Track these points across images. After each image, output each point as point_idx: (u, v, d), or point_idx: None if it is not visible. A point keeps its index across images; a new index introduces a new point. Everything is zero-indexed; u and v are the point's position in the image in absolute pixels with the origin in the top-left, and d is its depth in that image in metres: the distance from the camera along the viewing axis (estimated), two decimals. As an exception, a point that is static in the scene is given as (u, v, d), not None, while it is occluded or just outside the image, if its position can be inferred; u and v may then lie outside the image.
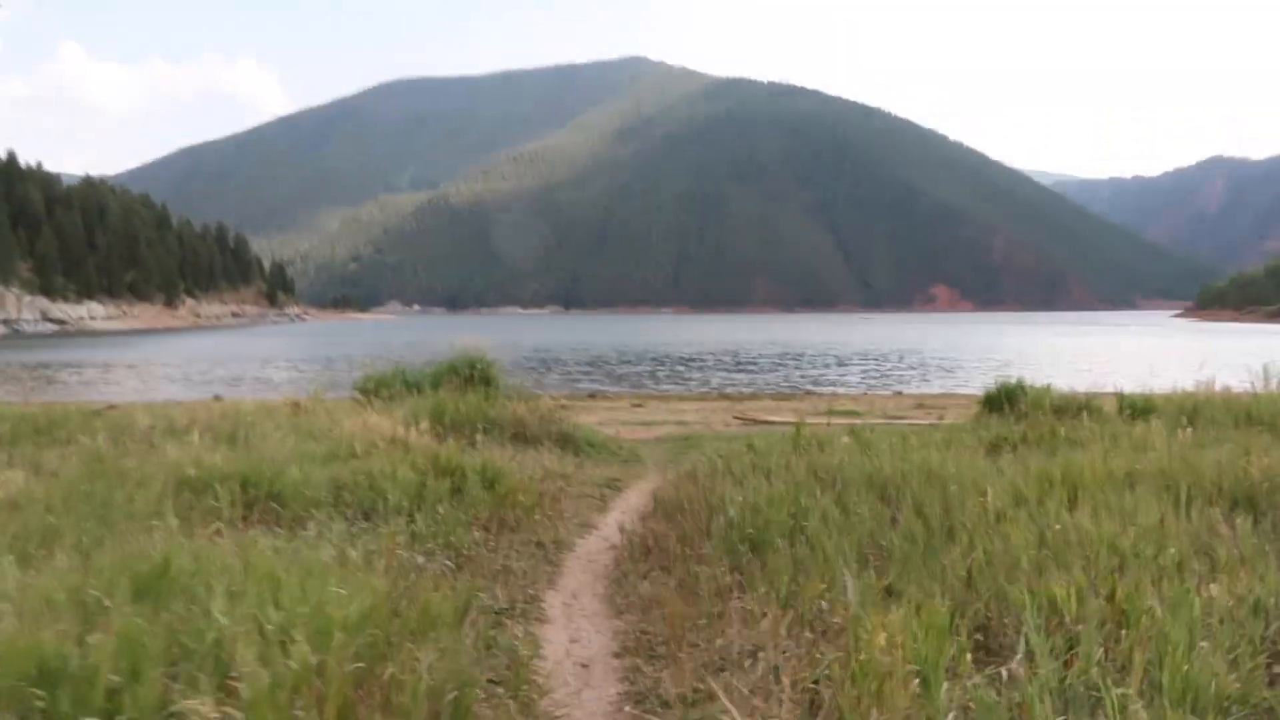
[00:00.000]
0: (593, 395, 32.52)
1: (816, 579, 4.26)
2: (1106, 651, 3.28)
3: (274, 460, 6.80)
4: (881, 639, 3.16)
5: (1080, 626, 3.42)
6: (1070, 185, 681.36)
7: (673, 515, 6.70)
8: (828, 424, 10.19)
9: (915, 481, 6.06)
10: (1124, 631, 3.43)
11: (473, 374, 12.61)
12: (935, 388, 38.55)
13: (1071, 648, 3.38)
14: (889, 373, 47.29)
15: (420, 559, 5.38)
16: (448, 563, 5.57)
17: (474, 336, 14.03)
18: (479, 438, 9.71)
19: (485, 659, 4.16)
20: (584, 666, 4.45)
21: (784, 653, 3.71)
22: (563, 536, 6.99)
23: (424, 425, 8.54)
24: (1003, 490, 5.62)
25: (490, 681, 3.92)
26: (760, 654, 3.79)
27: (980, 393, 34.98)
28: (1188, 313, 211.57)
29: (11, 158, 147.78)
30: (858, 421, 19.68)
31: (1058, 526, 4.74)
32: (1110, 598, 3.57)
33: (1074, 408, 11.82)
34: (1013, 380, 15.47)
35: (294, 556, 4.35)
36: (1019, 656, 3.31)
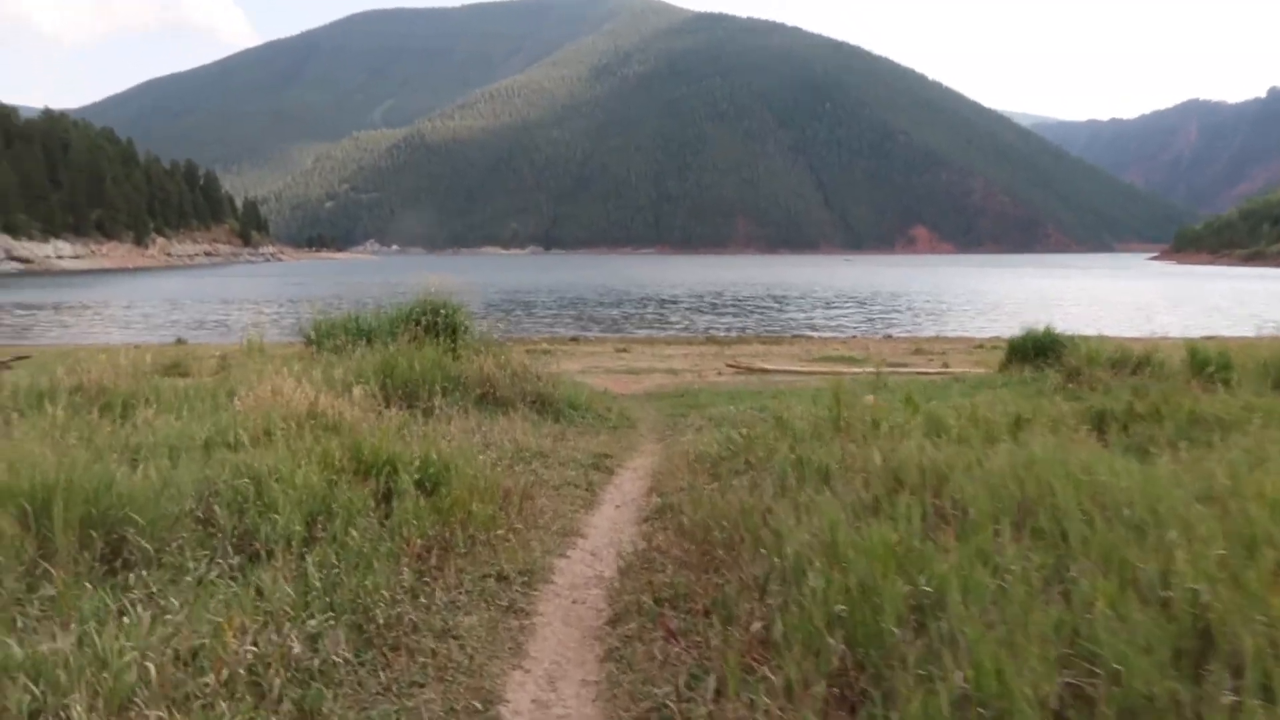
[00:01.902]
0: (575, 339, 30.86)
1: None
2: None
3: (128, 448, 4.89)
4: None
5: None
6: (1049, 127, 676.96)
7: (689, 531, 4.87)
8: (874, 388, 8.35)
9: (1071, 501, 3.90)
10: None
11: (436, 321, 10.72)
12: (927, 331, 37.23)
13: None
14: (876, 315, 45.88)
15: (295, 646, 3.28)
16: (342, 653, 3.41)
17: (441, 277, 11.94)
18: (437, 402, 8.02)
19: None
20: None
21: None
22: (535, 559, 5.02)
23: (362, 390, 6.53)
24: (1213, 521, 3.58)
25: None
26: None
27: (977, 336, 33.94)
28: (1164, 256, 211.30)
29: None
30: (858, 370, 18.09)
31: None
32: None
33: (1132, 362, 10.07)
34: (1039, 327, 13.76)
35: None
36: None
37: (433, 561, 4.49)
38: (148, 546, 4.01)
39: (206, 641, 3.18)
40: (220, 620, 3.27)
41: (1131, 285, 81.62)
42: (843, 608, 3.29)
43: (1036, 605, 3.13)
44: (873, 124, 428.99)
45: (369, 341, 9.71)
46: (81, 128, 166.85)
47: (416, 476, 4.84)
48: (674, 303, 54.82)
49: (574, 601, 4.60)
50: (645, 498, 6.36)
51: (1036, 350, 13.10)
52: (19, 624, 3.32)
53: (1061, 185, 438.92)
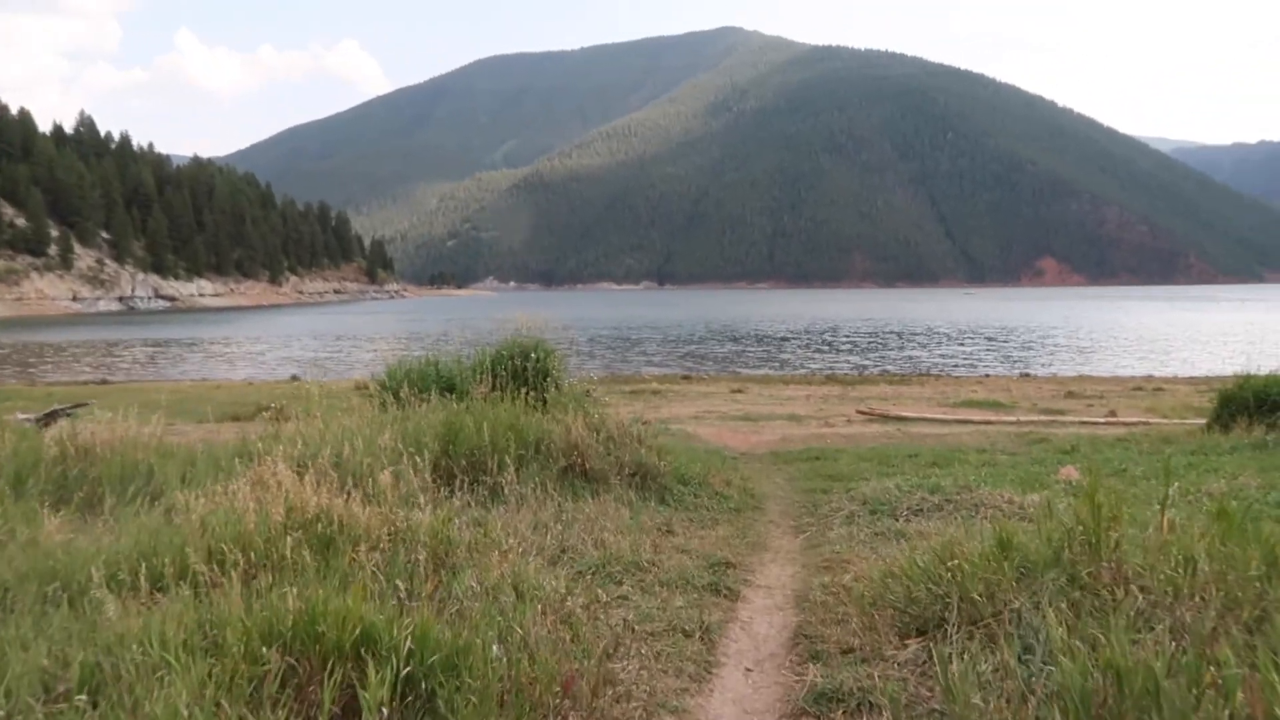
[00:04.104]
0: (686, 378, 29.38)
1: None
2: None
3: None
4: None
5: None
6: (1190, 153, 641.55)
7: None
8: (1067, 452, 6.27)
9: None
10: None
11: (525, 367, 9.08)
12: (1068, 370, 34.22)
13: None
14: (1009, 353, 42.69)
15: None
16: None
17: (533, 313, 10.46)
18: (508, 477, 6.22)
19: None
20: None
21: None
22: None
23: (392, 473, 4.72)
24: None
25: None
26: None
27: (1129, 375, 30.65)
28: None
29: (125, 140, 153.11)
30: (1011, 419, 15.88)
31: None
32: None
33: None
34: (1260, 373, 11.24)
35: None
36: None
37: None
38: None
39: None
40: None
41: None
42: None
43: None
44: (998, 153, 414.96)
45: (451, 391, 8.28)
46: (226, 173, 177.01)
47: (405, 671, 2.77)
48: (788, 339, 52.65)
49: None
50: (790, 655, 4.25)
51: (1261, 403, 10.55)
52: None
53: (1206, 213, 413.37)
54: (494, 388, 8.18)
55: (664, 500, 7.19)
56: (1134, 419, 15.24)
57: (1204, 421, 11.57)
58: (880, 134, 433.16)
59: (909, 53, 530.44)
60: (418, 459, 5.25)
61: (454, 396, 7.99)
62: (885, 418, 15.86)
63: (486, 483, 6.24)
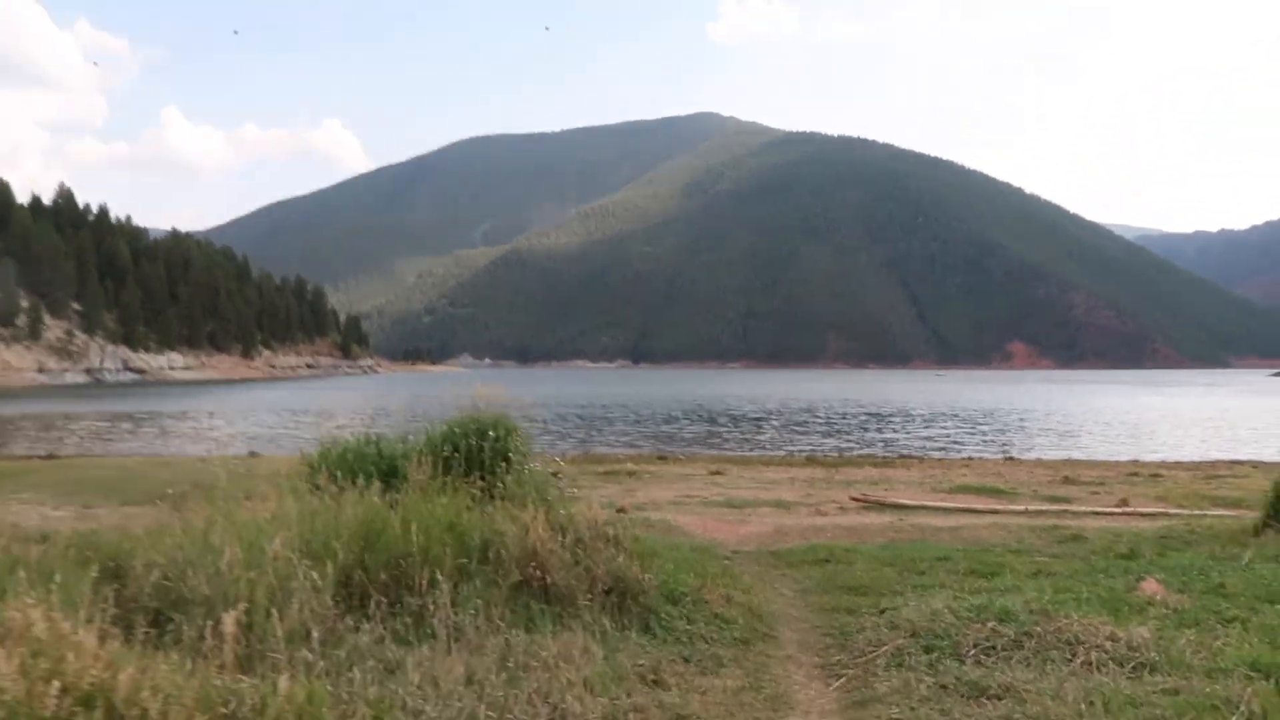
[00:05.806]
0: (662, 458, 27.92)
1: None
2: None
3: None
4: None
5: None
6: (1153, 239, 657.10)
7: None
8: (1130, 556, 4.93)
9: None
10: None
11: (481, 447, 7.44)
12: (1051, 453, 33.11)
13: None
14: (989, 436, 41.66)
15: None
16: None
17: (495, 387, 9.09)
18: (441, 599, 4.65)
19: None
20: None
21: None
22: None
23: (303, 581, 3.39)
24: None
25: None
26: None
27: (1117, 460, 29.61)
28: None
29: (103, 212, 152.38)
30: (1019, 509, 14.65)
31: None
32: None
33: None
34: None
35: None
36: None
37: None
38: None
39: None
40: None
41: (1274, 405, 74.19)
42: None
43: None
44: (968, 237, 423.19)
45: (394, 476, 6.81)
46: (203, 247, 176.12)
47: None
48: (765, 419, 51.51)
49: None
50: None
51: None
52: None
53: (1170, 299, 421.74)
54: (441, 472, 6.71)
55: (648, 628, 5.54)
56: (1151, 509, 14.06)
57: (1242, 513, 10.38)
58: (853, 217, 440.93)
59: (880, 139, 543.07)
60: (315, 575, 3.86)
61: (389, 484, 6.56)
62: (882, 505, 14.57)
63: (412, 606, 4.75)
